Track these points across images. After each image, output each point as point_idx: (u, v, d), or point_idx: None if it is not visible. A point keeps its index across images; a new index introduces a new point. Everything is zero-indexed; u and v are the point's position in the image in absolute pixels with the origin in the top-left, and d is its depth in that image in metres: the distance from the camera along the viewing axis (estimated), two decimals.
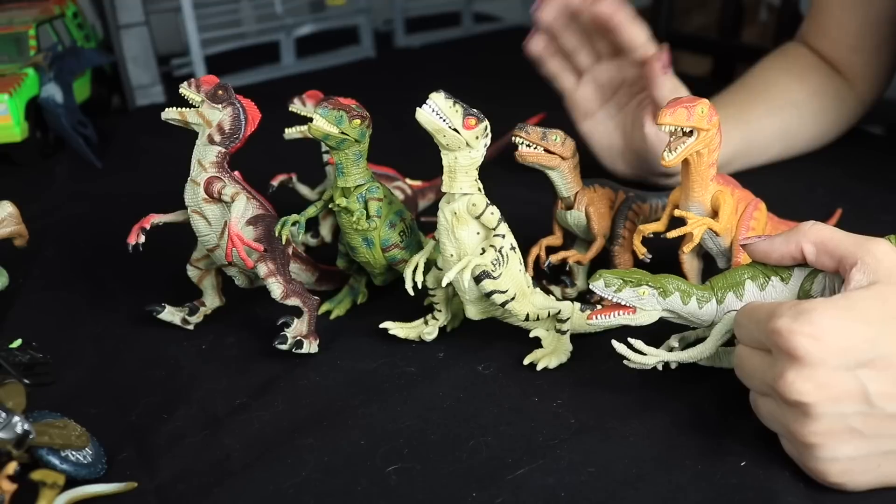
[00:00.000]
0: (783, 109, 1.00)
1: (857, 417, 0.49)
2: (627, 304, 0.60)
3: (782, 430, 0.52)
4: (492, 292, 0.64)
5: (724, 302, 0.60)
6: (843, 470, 0.50)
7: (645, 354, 0.61)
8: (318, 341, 0.70)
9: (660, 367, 0.62)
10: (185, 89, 0.68)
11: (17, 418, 0.52)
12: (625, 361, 0.61)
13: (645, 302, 0.60)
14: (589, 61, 0.95)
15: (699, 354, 0.60)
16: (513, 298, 0.65)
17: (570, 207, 0.74)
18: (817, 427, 0.49)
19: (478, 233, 0.64)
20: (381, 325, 0.70)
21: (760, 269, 0.60)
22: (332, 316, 0.76)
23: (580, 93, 0.96)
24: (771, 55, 1.07)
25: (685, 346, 0.65)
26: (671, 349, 0.64)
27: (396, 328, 0.70)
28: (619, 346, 0.61)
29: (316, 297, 0.71)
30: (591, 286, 0.60)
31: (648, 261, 0.69)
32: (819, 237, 0.55)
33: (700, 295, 0.60)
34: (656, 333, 0.64)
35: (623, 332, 0.63)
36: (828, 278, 0.57)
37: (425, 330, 0.69)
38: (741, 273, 0.60)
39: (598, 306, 0.70)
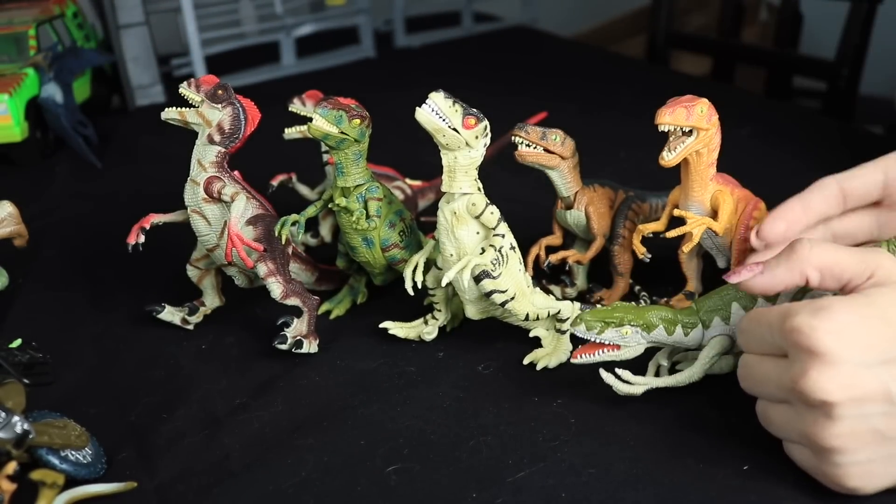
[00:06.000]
0: None
1: (879, 418, 0.47)
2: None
3: (800, 436, 0.50)
4: (491, 292, 0.64)
5: (710, 326, 0.60)
6: (862, 473, 0.49)
7: (632, 384, 0.61)
8: (317, 341, 0.70)
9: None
10: (184, 89, 0.68)
11: (16, 418, 0.52)
12: (613, 388, 0.61)
13: (629, 339, 0.60)
14: None
15: (687, 379, 0.60)
16: (512, 298, 0.65)
17: (569, 207, 0.74)
18: (840, 429, 0.48)
19: (477, 232, 0.64)
20: (381, 325, 0.70)
21: None
22: (332, 316, 0.76)
23: None
24: None
25: (673, 363, 0.64)
26: (659, 366, 0.64)
27: (396, 328, 0.70)
28: (607, 377, 0.60)
29: (316, 297, 0.71)
30: (572, 330, 0.60)
31: (648, 260, 0.69)
32: (823, 262, 0.53)
33: (685, 321, 0.60)
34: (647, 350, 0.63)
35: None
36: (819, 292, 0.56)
37: (425, 330, 0.69)
38: (726, 294, 0.60)
39: (598, 306, 0.70)
